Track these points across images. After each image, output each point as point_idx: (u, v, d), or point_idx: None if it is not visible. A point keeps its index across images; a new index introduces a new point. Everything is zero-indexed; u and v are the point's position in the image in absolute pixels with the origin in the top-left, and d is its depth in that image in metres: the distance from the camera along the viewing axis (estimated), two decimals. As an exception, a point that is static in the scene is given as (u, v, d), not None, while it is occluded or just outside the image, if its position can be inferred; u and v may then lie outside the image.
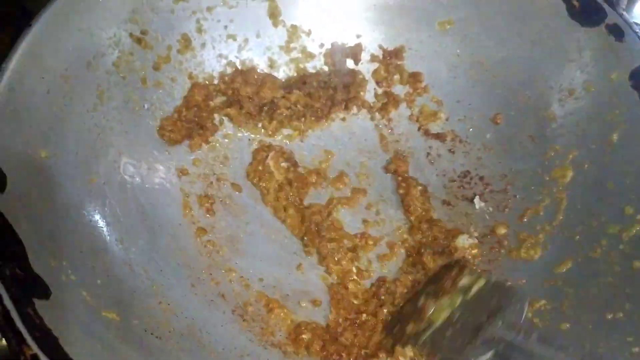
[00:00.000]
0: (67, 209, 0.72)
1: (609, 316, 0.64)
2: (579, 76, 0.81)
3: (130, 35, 0.83)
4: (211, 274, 0.82)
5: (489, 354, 0.63)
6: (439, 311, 0.69)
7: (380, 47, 0.96)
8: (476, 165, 0.91)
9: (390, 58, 0.97)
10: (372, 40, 0.96)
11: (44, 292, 0.61)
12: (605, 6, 0.77)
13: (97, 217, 0.76)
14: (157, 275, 0.77)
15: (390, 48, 0.97)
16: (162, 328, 0.71)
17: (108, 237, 0.75)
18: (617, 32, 0.75)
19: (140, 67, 0.86)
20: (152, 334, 0.69)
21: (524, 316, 0.67)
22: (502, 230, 0.83)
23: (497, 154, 0.90)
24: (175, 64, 0.90)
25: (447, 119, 0.95)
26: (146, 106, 0.87)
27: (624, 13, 0.75)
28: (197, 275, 0.81)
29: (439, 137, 0.94)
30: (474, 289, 0.70)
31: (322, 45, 0.96)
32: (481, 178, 0.90)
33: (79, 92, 0.78)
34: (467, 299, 0.69)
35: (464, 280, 0.71)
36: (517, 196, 0.86)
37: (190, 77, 0.91)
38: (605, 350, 0.61)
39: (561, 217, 0.79)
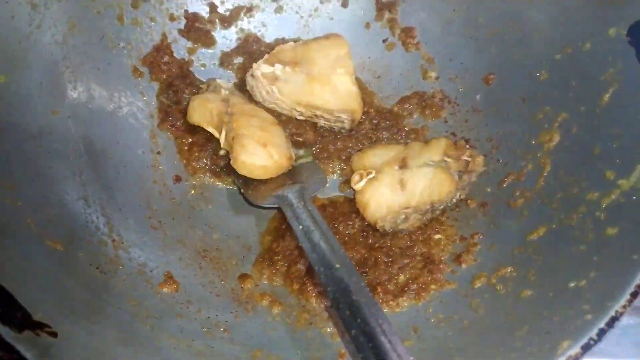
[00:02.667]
0: (23, 138, 0.70)
1: (572, 284, 0.59)
2: (575, 32, 0.74)
3: (107, -33, 0.80)
4: (174, 219, 0.80)
5: (272, 206, 0.77)
6: None
7: (375, -4, 0.91)
8: (462, 128, 0.86)
9: (383, 10, 0.92)
10: (366, -10, 0.91)
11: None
12: (609, -45, 0.70)
13: (57, 148, 0.74)
14: (115, 213, 0.75)
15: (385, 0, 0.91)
16: (110, 264, 0.69)
17: (66, 170, 0.74)
18: (619, -17, 0.69)
19: (117, 3, 0.83)
20: (97, 268, 0.67)
21: (312, 196, 0.79)
22: (472, 204, 0.80)
23: (485, 116, 0.85)
24: (155, 3, 0.87)
25: (437, 78, 0.90)
26: (122, 44, 0.85)
27: (628, -39, 0.68)
28: (158, 218, 0.79)
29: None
30: (300, 160, 0.85)
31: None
32: (467, 141, 0.85)
33: (49, 22, 0.77)
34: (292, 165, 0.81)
35: (300, 152, 0.85)
36: (501, 160, 0.81)
37: (172, 18, 0.89)
38: (559, 318, 0.56)
39: (542, 184, 0.74)
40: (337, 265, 0.62)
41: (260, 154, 0.76)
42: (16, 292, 0.54)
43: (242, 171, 0.76)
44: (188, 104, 0.83)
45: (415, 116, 0.90)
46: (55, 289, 0.60)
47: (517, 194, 0.76)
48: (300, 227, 0.69)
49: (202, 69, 0.91)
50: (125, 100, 0.84)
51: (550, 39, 0.78)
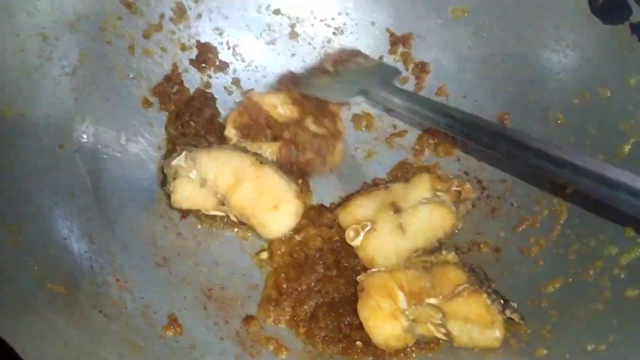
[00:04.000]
0: (29, 173, 0.69)
1: (590, 347, 0.57)
2: (595, 78, 0.73)
3: (120, -2, 0.79)
4: (179, 255, 0.79)
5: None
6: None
7: (388, 30, 0.90)
8: (475, 167, 0.85)
9: (397, 44, 0.91)
10: (381, 23, 0.89)
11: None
12: (632, 2, 0.68)
13: (62, 184, 0.73)
14: (120, 251, 0.74)
15: (399, 33, 0.90)
16: (112, 306, 0.67)
17: (71, 206, 0.72)
18: (642, 31, 0.67)
19: (128, 33, 0.82)
20: (100, 311, 0.65)
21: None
22: (485, 248, 0.78)
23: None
24: (167, 33, 0.86)
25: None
26: (132, 75, 0.84)
27: (652, 11, 0.67)
28: (163, 255, 0.78)
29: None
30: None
31: (328, 26, 0.91)
32: (479, 181, 0.84)
33: (59, 53, 0.76)
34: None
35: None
36: (515, 204, 0.79)
37: (183, 48, 0.88)
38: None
39: (558, 232, 0.72)
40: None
41: (281, 220, 0.77)
42: (16, 344, 0.52)
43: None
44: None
45: (427, 153, 0.88)
46: (56, 337, 0.59)
47: (532, 241, 0.74)
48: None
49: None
50: (133, 132, 0.83)
51: (567, 82, 0.77)
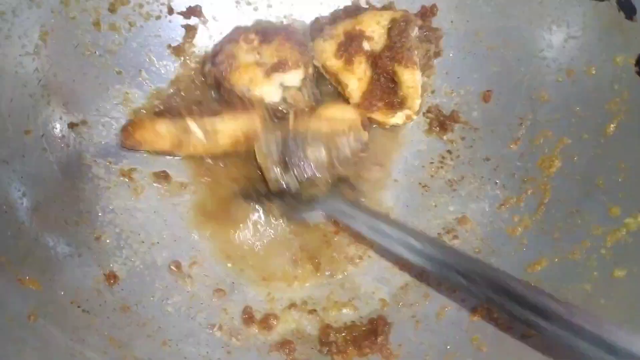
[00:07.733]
0: (-7, 163, 0.65)
1: (579, 328, 0.58)
2: (580, 56, 0.72)
3: (81, -31, 0.74)
4: (164, 237, 0.76)
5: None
6: None
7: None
8: (459, 145, 0.84)
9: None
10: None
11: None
12: (619, -23, 0.67)
13: (31, 172, 0.68)
14: (95, 241, 0.70)
15: (381, 9, 0.87)
16: (91, 300, 0.64)
17: (42, 196, 0.68)
18: (629, 8, 0.66)
19: (92, 7, 0.77)
20: (78, 306, 0.62)
21: None
22: (467, 223, 0.78)
23: (482, 135, 0.82)
24: (134, 7, 0.80)
25: (432, 92, 0.87)
26: (98, 52, 0.78)
27: (640, -13, 0.66)
28: (151, 240, 0.75)
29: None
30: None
31: None
32: (462, 160, 0.83)
33: (19, 31, 0.70)
34: None
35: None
36: (498, 183, 0.78)
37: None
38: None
39: (543, 211, 0.72)
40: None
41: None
42: None
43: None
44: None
45: (408, 131, 0.87)
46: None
47: (516, 219, 0.74)
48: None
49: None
50: (102, 112, 0.78)
51: (552, 59, 0.76)
